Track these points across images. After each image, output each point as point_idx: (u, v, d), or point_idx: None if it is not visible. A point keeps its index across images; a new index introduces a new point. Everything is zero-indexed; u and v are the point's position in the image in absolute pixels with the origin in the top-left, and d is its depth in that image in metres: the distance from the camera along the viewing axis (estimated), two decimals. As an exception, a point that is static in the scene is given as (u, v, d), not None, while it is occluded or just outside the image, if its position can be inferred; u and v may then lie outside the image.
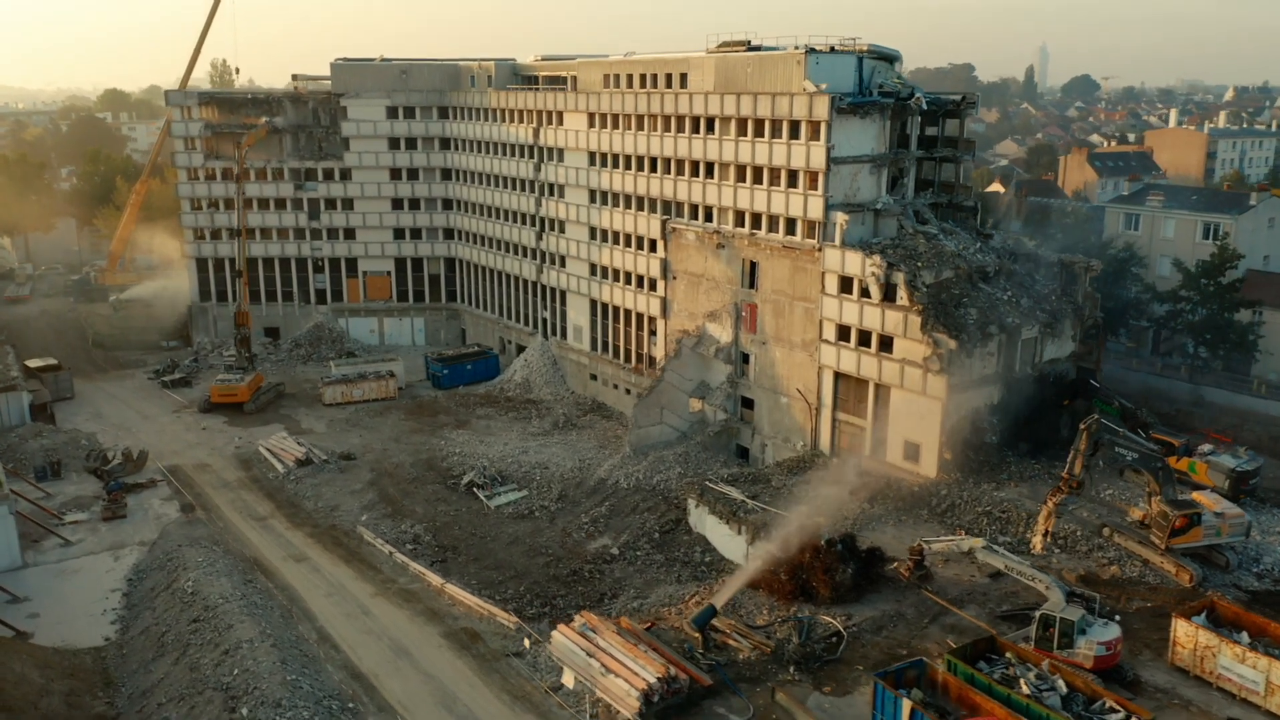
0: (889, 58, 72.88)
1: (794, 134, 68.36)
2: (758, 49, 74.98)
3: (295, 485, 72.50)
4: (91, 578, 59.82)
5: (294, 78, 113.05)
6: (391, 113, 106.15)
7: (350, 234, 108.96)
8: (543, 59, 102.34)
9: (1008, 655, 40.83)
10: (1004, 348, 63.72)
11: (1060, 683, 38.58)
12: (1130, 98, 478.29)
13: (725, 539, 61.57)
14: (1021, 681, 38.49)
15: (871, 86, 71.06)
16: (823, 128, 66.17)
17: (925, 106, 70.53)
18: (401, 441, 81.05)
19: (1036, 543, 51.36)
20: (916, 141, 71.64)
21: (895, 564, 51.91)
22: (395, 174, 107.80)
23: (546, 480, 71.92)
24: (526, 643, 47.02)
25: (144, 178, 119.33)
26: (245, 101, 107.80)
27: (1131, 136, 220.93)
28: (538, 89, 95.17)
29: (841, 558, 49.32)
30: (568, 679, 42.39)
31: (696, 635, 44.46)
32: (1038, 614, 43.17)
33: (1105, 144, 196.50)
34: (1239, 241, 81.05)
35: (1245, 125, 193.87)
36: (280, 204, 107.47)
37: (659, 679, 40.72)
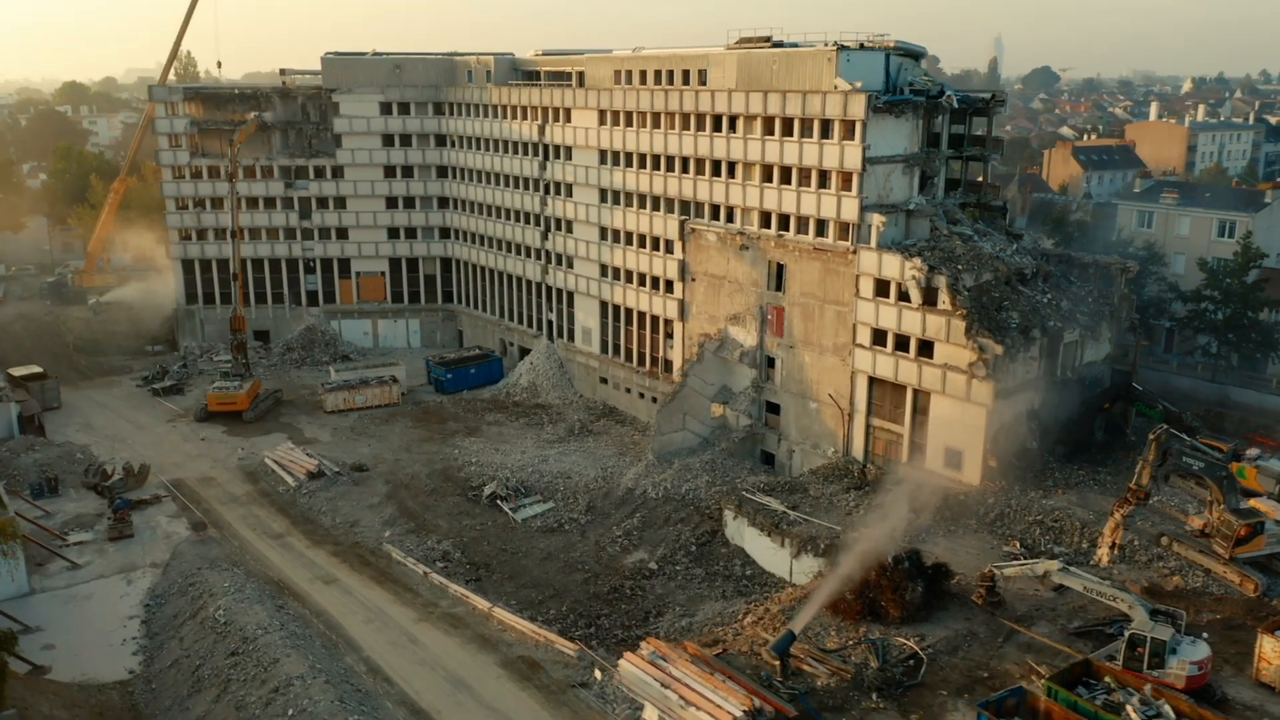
0: (915, 54, 71.37)
1: (825, 133, 66.60)
2: (780, 45, 73.06)
3: (308, 499, 69.66)
4: (105, 604, 56.70)
5: (282, 72, 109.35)
6: (385, 108, 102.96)
7: (343, 233, 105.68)
8: (543, 54, 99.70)
9: (1106, 679, 39.44)
10: (1045, 352, 62.55)
11: (1167, 708, 37.28)
12: (1091, 89, 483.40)
13: (767, 552, 59.90)
14: (1128, 708, 37.11)
15: (898, 84, 69.50)
16: (858, 127, 64.46)
17: (956, 104, 69.10)
18: (413, 451, 78.37)
19: (1104, 555, 50.20)
20: (947, 140, 70.19)
21: (956, 578, 50.43)
22: (389, 172, 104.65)
23: (571, 491, 69.73)
24: (598, 674, 44.84)
25: (122, 175, 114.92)
26: (232, 97, 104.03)
27: (1100, 128, 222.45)
28: (540, 85, 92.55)
29: (909, 575, 47.74)
30: (650, 715, 40.33)
31: (776, 663, 42.67)
32: (1127, 633, 41.89)
33: (1083, 137, 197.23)
34: (1256, 239, 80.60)
35: (1222, 119, 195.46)
36: (270, 203, 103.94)
37: (745, 712, 38.86)
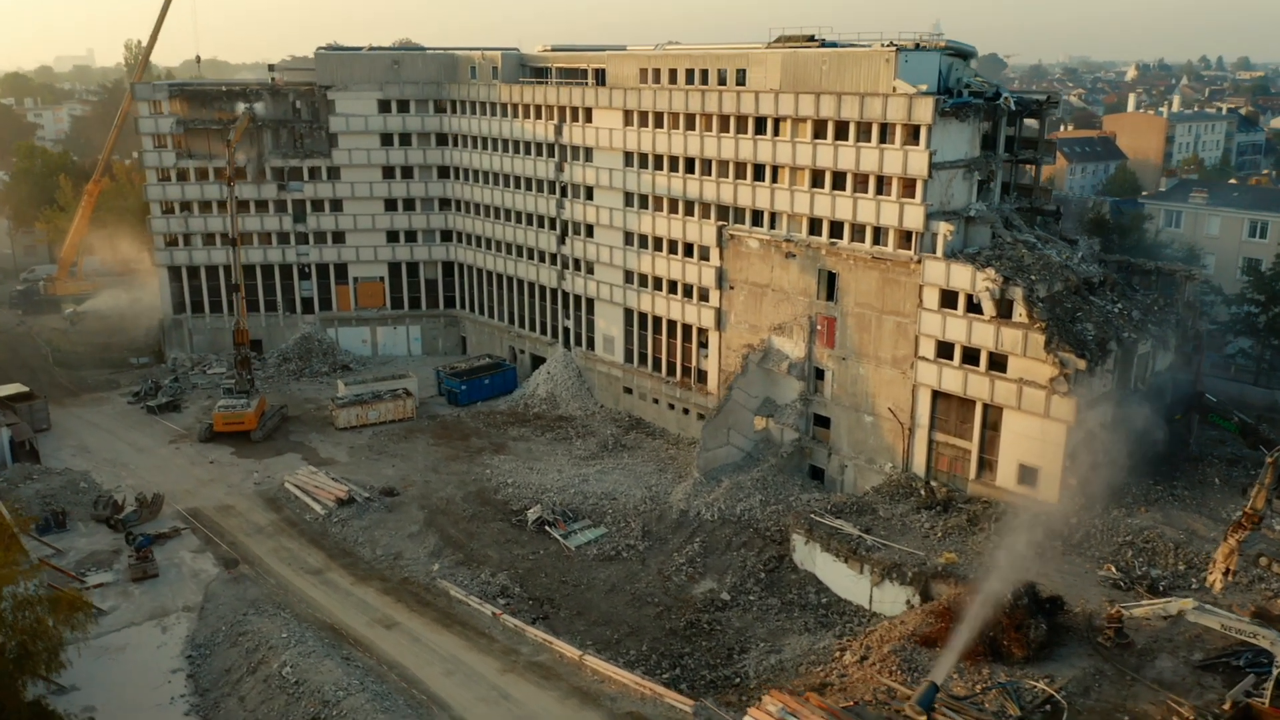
0: (965, 54, 68.94)
1: (885, 137, 63.89)
2: (829, 45, 70.15)
3: (341, 529, 65.51)
4: (142, 656, 52.35)
5: (271, 68, 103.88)
6: (383, 106, 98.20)
7: (339, 237, 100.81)
8: (552, 49, 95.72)
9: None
10: (1119, 363, 60.66)
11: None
12: (1039, 76, 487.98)
13: (844, 579, 57.36)
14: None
15: (949, 84, 67.07)
16: (923, 131, 61.86)
17: (1014, 106, 66.84)
18: (441, 471, 74.43)
19: (1216, 582, 48.15)
20: (1002, 143, 67.92)
21: (1067, 611, 48.21)
22: (388, 172, 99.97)
23: (621, 514, 66.44)
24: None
25: (95, 176, 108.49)
26: (219, 94, 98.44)
27: (1063, 120, 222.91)
28: (556, 83, 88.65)
29: (1029, 611, 45.40)
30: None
31: (922, 718, 39.99)
32: (1276, 672, 39.98)
33: (1061, 128, 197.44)
34: (1290, 239, 79.99)
35: (1197, 109, 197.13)
36: (262, 206, 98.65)
37: (901, 776, 36.16)
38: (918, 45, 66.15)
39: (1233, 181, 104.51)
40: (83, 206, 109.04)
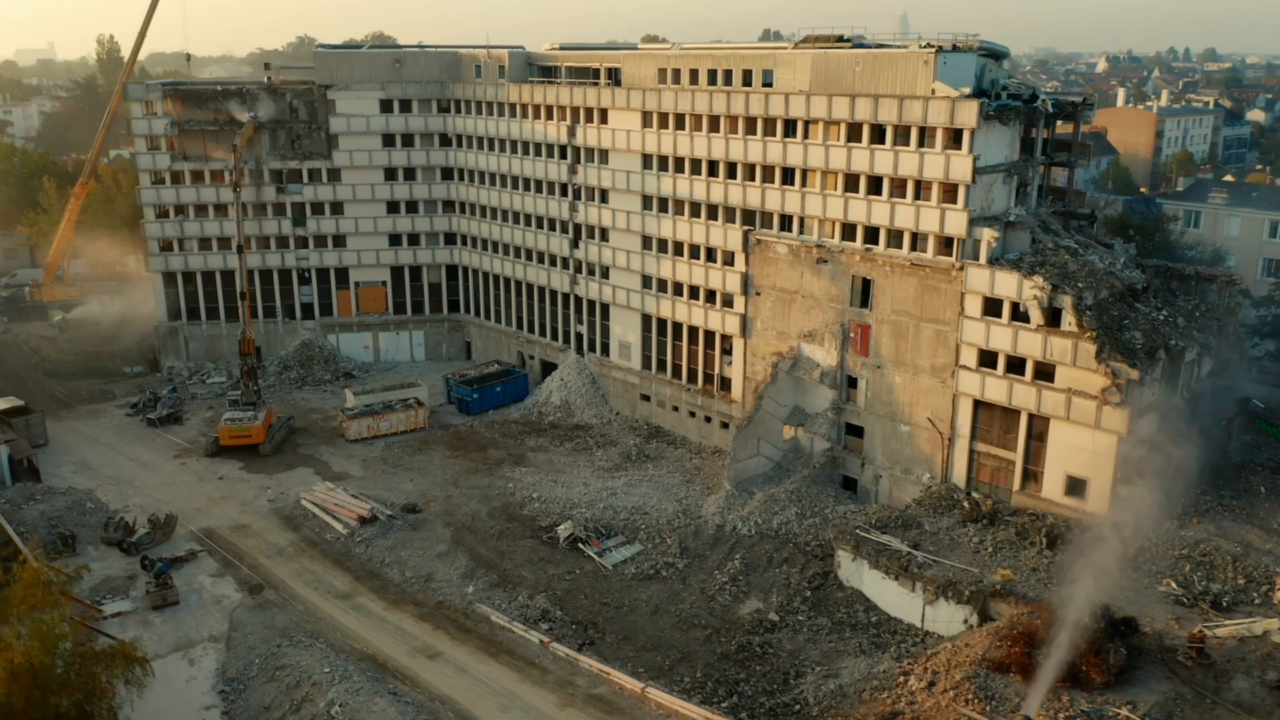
0: (998, 54, 67.72)
1: (924, 141, 62.34)
2: (862, 45, 68.54)
3: (365, 549, 63.18)
4: (172, 692, 49.90)
5: (266, 67, 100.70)
6: (385, 106, 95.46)
7: (340, 241, 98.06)
8: (560, 48, 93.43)
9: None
10: (1166, 372, 59.59)
11: None
12: (1011, 69, 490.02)
13: (894, 596, 55.89)
14: None
15: (985, 86, 65.73)
16: (966, 135, 60.34)
17: (1051, 109, 65.56)
18: (462, 485, 72.20)
19: (1287, 599, 47.33)
20: (1040, 146, 66.65)
21: (1141, 633, 46.95)
22: (390, 174, 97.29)
23: (655, 529, 64.59)
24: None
25: (83, 179, 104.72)
26: (214, 94, 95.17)
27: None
28: (568, 83, 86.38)
29: (1106, 634, 44.11)
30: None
31: (1020, 756, 38.56)
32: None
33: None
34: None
35: (1185, 102, 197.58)
36: (260, 209, 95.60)
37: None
38: (954, 46, 64.63)
39: (1257, 178, 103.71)
40: (69, 209, 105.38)
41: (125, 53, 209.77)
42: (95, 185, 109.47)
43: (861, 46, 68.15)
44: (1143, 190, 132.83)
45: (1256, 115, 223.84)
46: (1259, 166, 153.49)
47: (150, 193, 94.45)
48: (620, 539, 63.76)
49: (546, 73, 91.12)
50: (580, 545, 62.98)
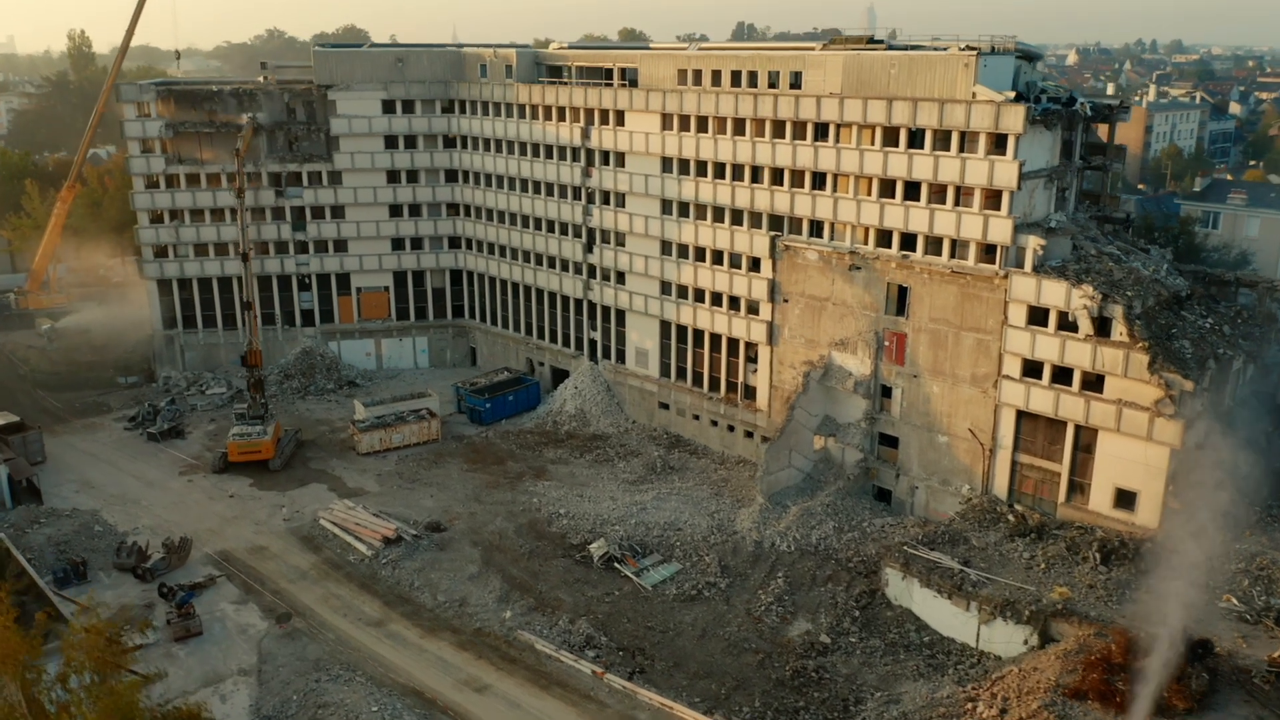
0: (1032, 56, 66.45)
1: (965, 146, 60.80)
2: (893, 48, 66.92)
3: (392, 572, 60.88)
4: (206, 731, 47.38)
5: (263, 66, 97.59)
6: (388, 107, 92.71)
7: (341, 246, 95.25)
8: (569, 47, 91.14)
9: None
10: (1214, 381, 58.52)
11: None
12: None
13: (946, 615, 54.51)
14: None
15: (1020, 88, 64.31)
16: (1010, 141, 58.85)
17: (1090, 112, 64.29)
18: (484, 501, 69.99)
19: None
20: (1078, 150, 65.38)
21: (1214, 655, 45.76)
22: (393, 176, 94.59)
23: (690, 546, 62.77)
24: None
25: (69, 182, 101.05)
26: (209, 95, 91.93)
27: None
28: (572, 83, 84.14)
29: (1188, 659, 42.85)
30: None
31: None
32: None
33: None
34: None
35: (1172, 97, 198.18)
36: (258, 213, 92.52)
37: None
38: (993, 48, 63.17)
39: (1254, 175, 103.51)
40: (56, 213, 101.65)
41: (97, 48, 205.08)
42: (81, 188, 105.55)
43: (893, 48, 66.49)
44: (1140, 187, 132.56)
45: (1234, 108, 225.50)
46: (1251, 163, 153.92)
47: (144, 197, 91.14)
48: (656, 557, 61.89)
49: (554, 73, 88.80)
50: (616, 564, 61.05)
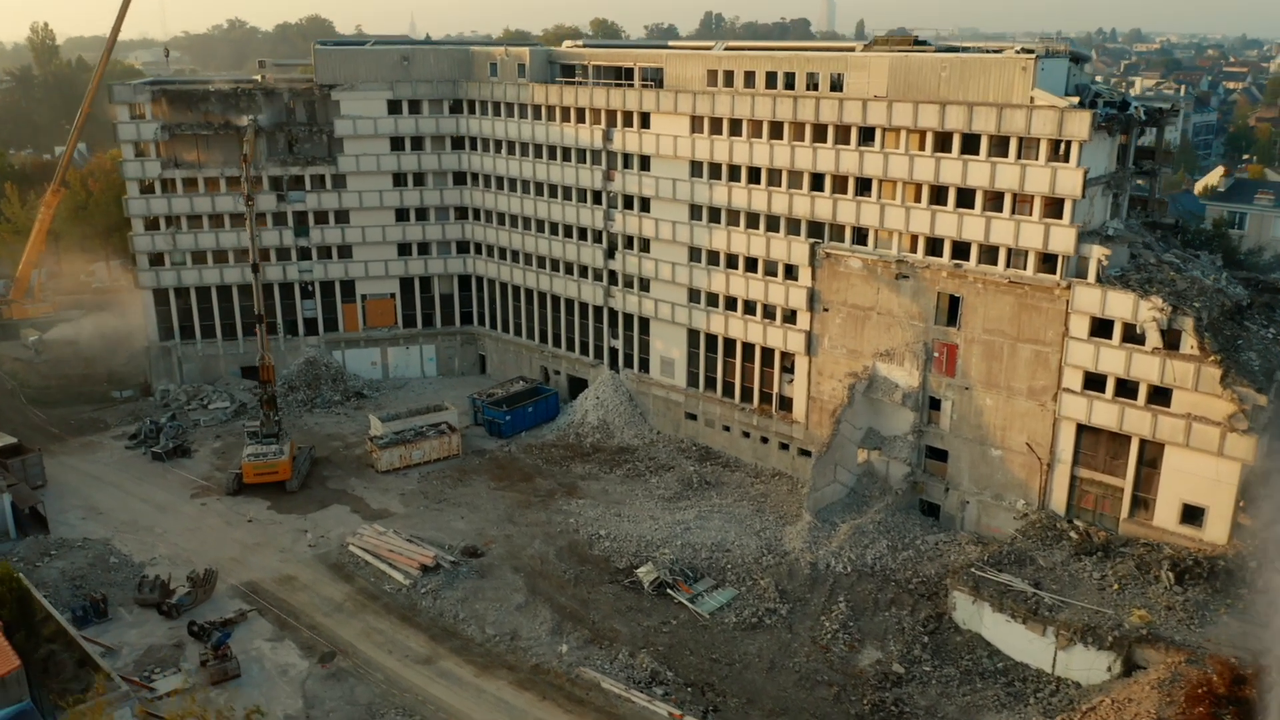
0: (1081, 58, 64.75)
1: (1025, 152, 58.86)
2: (942, 50, 64.83)
3: (433, 602, 57.98)
4: (260, 787, 44.49)
5: (261, 64, 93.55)
6: (394, 107, 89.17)
7: (346, 251, 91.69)
8: (584, 45, 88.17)
9: None
10: (1277, 393, 57.18)
11: None
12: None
13: (1020, 640, 52.84)
14: None
15: (1069, 91, 62.54)
16: (1074, 148, 56.98)
17: (1144, 116, 62.68)
18: (518, 522, 67.23)
19: None
20: (1131, 155, 63.77)
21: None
22: (399, 179, 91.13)
23: (743, 569, 60.48)
24: None
25: (54, 187, 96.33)
26: (206, 95, 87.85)
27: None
28: (592, 83, 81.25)
29: (1302, 694, 41.33)
30: None
31: None
32: None
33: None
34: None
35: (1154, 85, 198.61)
36: (259, 219, 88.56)
37: None
38: (1048, 51, 61.29)
39: (1253, 171, 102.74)
40: (40, 218, 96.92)
41: (61, 40, 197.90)
42: (66, 192, 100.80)
43: (946, 50, 64.41)
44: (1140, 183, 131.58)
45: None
46: (1246, 157, 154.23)
47: (139, 203, 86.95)
48: (709, 582, 59.56)
49: (568, 72, 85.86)
50: (668, 590, 58.63)
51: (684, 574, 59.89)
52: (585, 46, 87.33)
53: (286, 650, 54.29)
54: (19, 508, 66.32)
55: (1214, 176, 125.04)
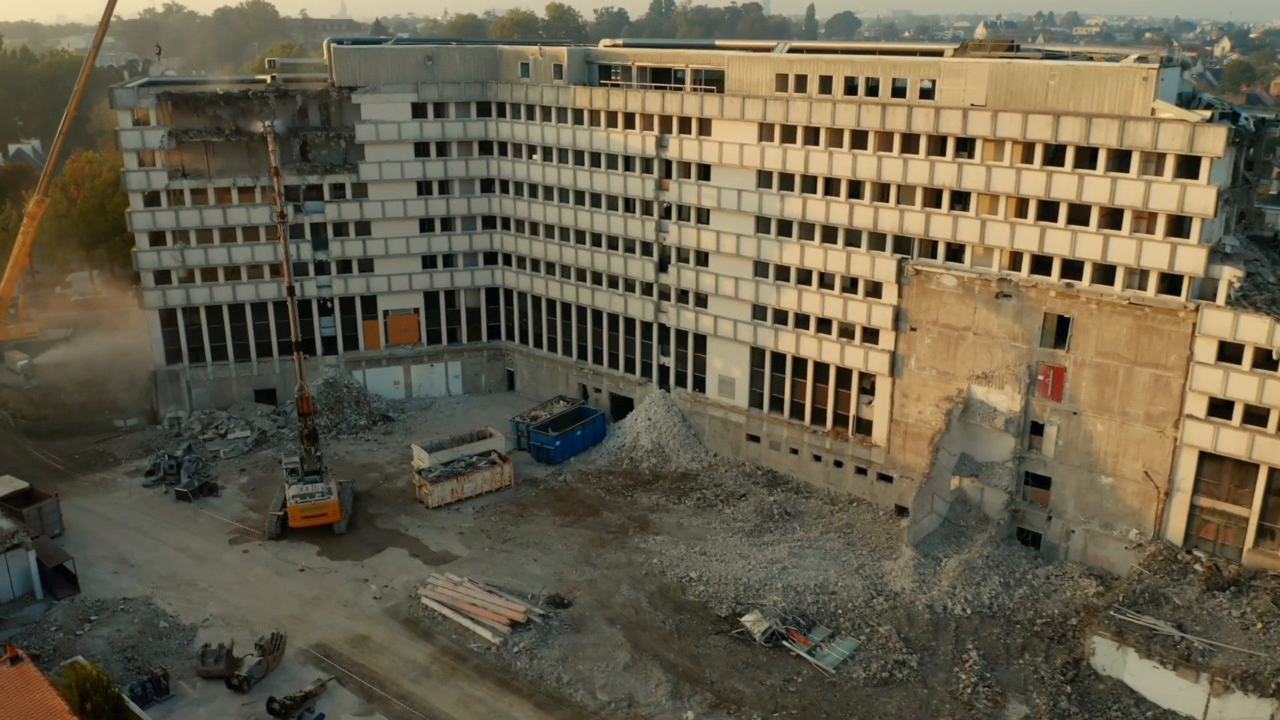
0: (1184, 65, 61.74)
1: (1149, 167, 55.61)
2: (1050, 57, 61.32)
3: (530, 663, 53.22)
4: None
5: (270, 64, 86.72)
6: (418, 111, 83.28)
7: (367, 265, 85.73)
8: (623, 44, 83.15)
9: None
10: None
11: None
12: (893, 35, 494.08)
13: (1168, 687, 49.97)
14: None
15: (1178, 101, 59.53)
16: (1205, 164, 53.86)
17: (1254, 128, 59.94)
18: (597, 564, 62.64)
19: None
20: (1243, 168, 61.00)
21: None
22: (424, 188, 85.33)
23: (855, 614, 56.67)
24: None
25: (39, 198, 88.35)
26: (215, 99, 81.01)
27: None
28: (642, 86, 76.41)
29: None
30: None
31: None
32: None
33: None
34: None
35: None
36: (271, 231, 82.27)
37: None
38: (1168, 60, 58.11)
39: None
40: (23, 232, 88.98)
41: (13, 39, 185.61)
42: (50, 202, 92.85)
43: (1051, 57, 60.91)
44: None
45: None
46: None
47: (144, 216, 79.97)
48: (825, 630, 55.67)
49: (606, 73, 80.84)
50: (783, 641, 54.62)
51: (795, 622, 55.93)
52: (627, 46, 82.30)
53: (379, 727, 49.21)
54: (44, 564, 59.94)
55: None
